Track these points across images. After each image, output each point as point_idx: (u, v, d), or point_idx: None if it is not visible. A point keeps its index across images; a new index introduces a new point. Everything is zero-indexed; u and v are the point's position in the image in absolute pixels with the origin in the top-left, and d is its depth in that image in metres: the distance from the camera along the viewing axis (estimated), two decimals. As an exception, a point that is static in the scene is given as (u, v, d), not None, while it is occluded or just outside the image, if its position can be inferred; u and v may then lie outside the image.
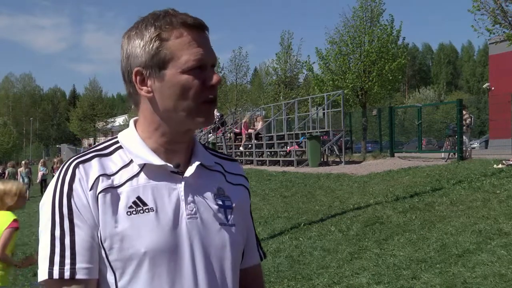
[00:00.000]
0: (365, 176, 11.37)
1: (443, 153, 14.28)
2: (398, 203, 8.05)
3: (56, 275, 1.01)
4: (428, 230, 6.46)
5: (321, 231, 7.45)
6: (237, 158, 18.79)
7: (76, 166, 1.07)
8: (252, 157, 19.13)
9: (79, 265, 1.01)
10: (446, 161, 12.91)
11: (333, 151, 16.74)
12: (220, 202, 1.16)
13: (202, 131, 21.43)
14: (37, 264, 1.06)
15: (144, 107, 1.12)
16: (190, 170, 1.13)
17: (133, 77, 1.10)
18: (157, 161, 1.10)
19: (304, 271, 5.89)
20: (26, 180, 20.02)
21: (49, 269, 1.01)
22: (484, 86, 31.62)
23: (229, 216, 1.16)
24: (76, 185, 1.05)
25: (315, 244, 6.86)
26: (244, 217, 1.23)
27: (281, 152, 17.90)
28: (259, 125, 19.86)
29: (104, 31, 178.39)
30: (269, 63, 33.08)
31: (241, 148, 19.79)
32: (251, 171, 15.21)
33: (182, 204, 1.10)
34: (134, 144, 1.13)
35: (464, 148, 12.93)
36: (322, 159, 15.35)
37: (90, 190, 1.05)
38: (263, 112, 25.94)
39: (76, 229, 1.03)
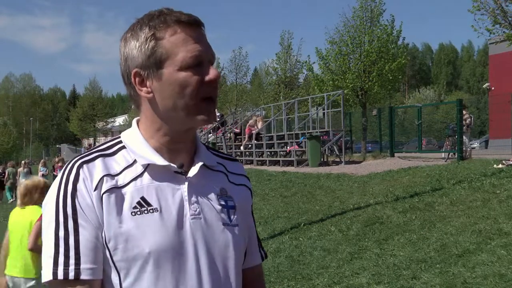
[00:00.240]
0: (365, 176, 11.37)
1: (443, 153, 14.28)
2: (398, 203, 8.05)
3: (60, 275, 1.00)
4: (428, 230, 6.46)
5: (321, 231, 7.44)
6: (237, 158, 18.76)
7: (80, 166, 1.06)
8: (252, 157, 19.13)
9: (83, 265, 1.01)
10: (446, 161, 12.91)
11: (333, 151, 16.74)
12: (223, 202, 1.16)
13: (202, 131, 21.43)
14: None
15: (145, 108, 1.12)
16: (193, 171, 1.13)
17: (132, 78, 1.09)
18: (160, 161, 1.10)
19: (304, 271, 5.89)
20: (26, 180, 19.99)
21: (53, 269, 1.01)
22: (484, 86, 31.62)
23: (232, 216, 1.16)
24: (80, 185, 1.04)
25: (315, 244, 6.86)
26: (246, 217, 1.23)
27: (281, 152, 17.90)
28: (259, 125, 19.87)
29: (104, 31, 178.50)
30: (269, 63, 33.10)
31: (241, 148, 19.79)
32: (251, 171, 15.22)
33: (186, 204, 1.10)
34: (137, 144, 1.13)
35: (464, 148, 12.93)
36: (322, 159, 15.34)
37: (95, 190, 1.04)
38: (263, 112, 25.94)
39: (81, 229, 1.02)
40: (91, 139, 57.97)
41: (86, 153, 1.11)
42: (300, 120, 19.26)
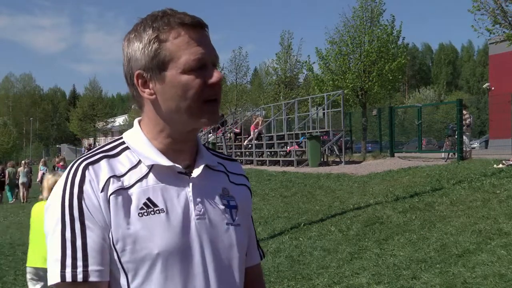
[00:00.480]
0: (365, 176, 11.37)
1: (443, 153, 14.29)
2: (398, 203, 8.05)
3: (69, 278, 0.99)
4: (428, 230, 6.46)
5: (321, 231, 7.44)
6: (237, 158, 18.80)
7: (86, 167, 1.06)
8: (252, 157, 19.13)
9: (91, 267, 1.00)
10: (446, 161, 12.91)
11: (333, 151, 16.75)
12: (225, 202, 1.17)
13: (202, 131, 21.43)
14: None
15: (148, 109, 1.13)
16: (197, 171, 1.13)
17: (135, 80, 1.09)
18: (165, 162, 1.10)
19: (304, 271, 5.89)
20: (25, 180, 19.98)
21: (61, 272, 1.00)
22: (484, 86, 31.62)
23: (234, 216, 1.17)
24: (86, 187, 1.04)
25: (315, 244, 6.86)
26: (247, 216, 1.24)
27: (281, 152, 17.90)
28: (259, 125, 19.89)
29: (104, 31, 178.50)
30: (269, 63, 33.04)
31: (245, 142, 19.70)
32: (251, 171, 15.22)
33: (191, 205, 1.10)
34: (140, 145, 1.13)
35: (464, 148, 12.93)
36: (322, 159, 15.34)
37: (101, 191, 1.04)
38: (263, 112, 25.93)
39: (88, 231, 1.02)
40: (91, 139, 57.94)
41: (90, 154, 1.10)
42: (300, 120, 19.26)
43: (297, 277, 5.70)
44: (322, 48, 18.67)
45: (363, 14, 17.94)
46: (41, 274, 4.08)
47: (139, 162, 1.11)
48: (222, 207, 1.15)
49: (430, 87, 67.64)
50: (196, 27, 1.08)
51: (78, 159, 1.09)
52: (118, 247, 1.03)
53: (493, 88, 28.00)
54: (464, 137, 13.15)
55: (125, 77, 1.14)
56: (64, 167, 20.26)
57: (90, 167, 1.06)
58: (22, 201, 19.72)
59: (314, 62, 19.88)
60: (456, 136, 13.21)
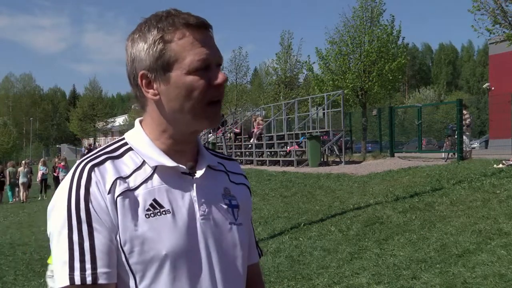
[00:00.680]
0: (365, 176, 11.37)
1: (443, 153, 14.29)
2: (398, 203, 8.05)
3: (78, 280, 0.99)
4: (428, 230, 6.46)
5: (321, 231, 7.44)
6: (237, 158, 18.80)
7: (91, 169, 1.05)
8: (252, 157, 19.13)
9: (100, 269, 1.00)
10: (446, 161, 12.91)
11: (333, 151, 16.75)
12: (227, 202, 1.18)
13: (202, 131, 21.41)
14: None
15: (151, 110, 1.12)
16: (200, 171, 1.14)
17: (139, 80, 1.09)
18: (169, 162, 1.10)
19: (304, 271, 5.89)
20: (25, 180, 19.97)
21: (69, 274, 0.99)
22: (484, 86, 31.62)
23: (236, 216, 1.18)
24: (93, 189, 1.03)
25: (315, 244, 6.86)
26: (247, 215, 1.25)
27: (281, 152, 17.90)
28: (260, 125, 19.89)
29: (104, 31, 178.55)
30: (269, 63, 33.01)
31: (252, 140, 19.64)
32: (251, 171, 15.22)
33: (195, 205, 1.10)
34: (144, 145, 1.13)
35: (464, 148, 12.93)
36: (322, 159, 15.34)
37: (108, 193, 1.03)
38: (263, 112, 25.93)
39: (95, 233, 1.01)
40: (91, 139, 57.93)
41: (94, 156, 1.10)
42: (300, 120, 19.25)
43: (297, 277, 5.70)
44: (322, 48, 18.69)
45: (363, 14, 17.94)
46: None
47: (143, 163, 1.10)
48: (224, 207, 1.16)
49: (430, 87, 67.64)
50: (201, 28, 1.09)
51: (82, 161, 1.08)
52: (126, 248, 1.03)
53: (493, 88, 28.00)
54: (464, 137, 13.15)
55: (128, 77, 1.13)
56: (65, 167, 20.26)
57: (95, 168, 1.06)
58: (22, 201, 19.70)
59: (314, 62, 19.90)
60: (455, 136, 13.21)
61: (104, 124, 56.98)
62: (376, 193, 9.23)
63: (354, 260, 5.93)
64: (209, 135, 22.21)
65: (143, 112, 1.15)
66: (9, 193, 20.82)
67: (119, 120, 64.47)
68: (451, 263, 5.19)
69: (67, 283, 0.99)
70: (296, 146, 16.47)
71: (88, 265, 0.99)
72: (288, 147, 17.48)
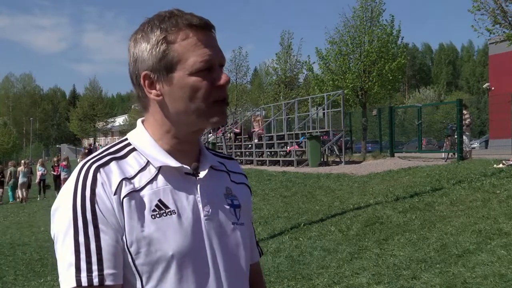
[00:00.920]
0: (365, 176, 11.37)
1: (443, 153, 14.29)
2: (398, 203, 8.05)
3: (84, 282, 0.98)
4: (428, 230, 6.46)
5: (321, 231, 7.44)
6: (237, 158, 18.80)
7: (97, 170, 1.05)
8: (252, 157, 19.12)
9: (106, 271, 1.00)
10: (446, 161, 12.91)
11: (333, 151, 16.75)
12: (229, 202, 1.18)
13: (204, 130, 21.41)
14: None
15: (154, 110, 1.12)
16: (203, 172, 1.14)
17: (142, 80, 1.09)
18: (173, 163, 1.10)
19: (304, 271, 5.88)
20: (25, 180, 19.95)
21: (76, 276, 0.98)
22: (484, 86, 31.61)
23: (238, 215, 1.18)
24: (99, 190, 1.03)
25: (315, 244, 6.86)
26: (248, 215, 1.26)
27: (281, 152, 17.90)
28: (259, 125, 19.89)
29: (104, 31, 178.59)
30: (269, 63, 33.07)
31: (253, 140, 19.64)
32: (251, 171, 15.22)
33: (200, 205, 1.11)
34: (147, 146, 1.12)
35: (464, 148, 12.92)
36: (322, 159, 15.35)
37: (114, 194, 1.03)
38: (263, 112, 25.92)
39: (102, 234, 1.01)
40: (91, 139, 57.94)
41: (98, 157, 1.09)
42: (300, 120, 19.25)
43: (297, 277, 5.69)
44: (322, 48, 18.70)
45: (363, 14, 17.95)
46: None
47: (148, 163, 1.10)
48: (227, 206, 1.16)
49: (430, 87, 67.67)
50: (204, 29, 1.08)
51: (86, 162, 1.08)
52: (132, 249, 1.02)
53: (493, 88, 27.99)
54: (464, 137, 13.15)
55: (130, 77, 1.13)
56: (67, 167, 20.26)
57: (101, 169, 1.05)
58: (21, 200, 19.67)
59: (314, 62, 19.91)
60: (455, 136, 13.21)
61: (104, 124, 56.99)
62: (376, 193, 9.23)
63: (354, 260, 5.93)
64: (209, 135, 22.21)
65: (145, 112, 1.15)
66: (10, 193, 20.80)
67: (119, 120, 64.50)
68: (451, 263, 5.19)
69: (74, 284, 0.98)
70: (296, 146, 16.47)
71: (94, 267, 0.99)
72: (288, 147, 17.48)
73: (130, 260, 1.03)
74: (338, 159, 16.07)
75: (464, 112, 13.69)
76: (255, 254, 1.32)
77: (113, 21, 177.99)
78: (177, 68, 1.06)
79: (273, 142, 18.65)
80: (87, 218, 1.01)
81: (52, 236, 1.05)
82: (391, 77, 17.38)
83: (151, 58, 1.07)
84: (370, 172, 11.85)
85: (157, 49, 1.07)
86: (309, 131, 17.18)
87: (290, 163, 16.12)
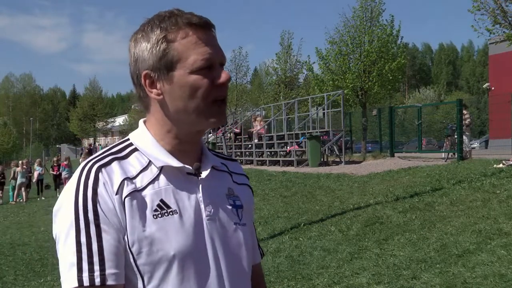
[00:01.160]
0: (365, 176, 11.37)
1: (443, 153, 14.29)
2: (398, 203, 8.05)
3: (86, 282, 0.98)
4: (428, 230, 6.45)
5: (321, 231, 7.44)
6: (237, 158, 18.79)
7: (99, 170, 1.05)
8: (252, 157, 19.12)
9: (108, 270, 1.00)
10: (446, 161, 12.91)
11: (333, 151, 16.74)
12: (232, 202, 1.18)
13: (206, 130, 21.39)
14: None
15: (155, 110, 1.12)
16: (205, 172, 1.14)
17: (142, 80, 1.09)
18: (175, 163, 1.10)
19: (304, 271, 5.88)
20: (23, 180, 19.92)
21: (78, 276, 0.98)
22: (484, 86, 31.61)
23: (240, 216, 1.18)
24: (101, 189, 1.03)
25: (315, 244, 6.86)
26: (250, 216, 1.26)
27: (281, 152, 17.90)
28: (258, 125, 19.87)
29: (104, 31, 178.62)
30: (269, 63, 33.06)
31: (254, 139, 19.61)
32: (251, 171, 15.22)
33: (201, 205, 1.10)
34: (149, 146, 1.12)
35: (464, 148, 12.92)
36: (322, 159, 15.34)
37: (116, 194, 1.03)
38: (263, 112, 25.92)
39: (103, 234, 1.01)
40: (91, 139, 57.96)
41: (99, 157, 1.09)
42: (300, 120, 19.25)
43: (297, 277, 5.69)
44: (322, 48, 18.70)
45: (363, 14, 17.94)
46: None
47: (149, 163, 1.10)
48: (229, 207, 1.16)
49: (430, 87, 67.69)
50: (204, 27, 1.09)
51: (88, 162, 1.08)
52: (134, 249, 1.02)
53: (493, 88, 27.99)
54: (464, 137, 13.15)
55: (131, 77, 1.13)
56: (68, 166, 20.29)
57: (103, 169, 1.05)
58: (20, 200, 19.65)
59: (314, 62, 19.90)
60: (455, 136, 13.21)
61: (104, 124, 57.03)
62: (376, 193, 9.23)
63: (354, 260, 5.92)
64: (209, 135, 22.21)
65: (147, 112, 1.15)
66: (10, 193, 20.79)
67: (119, 120, 64.49)
68: (451, 263, 5.19)
69: (76, 284, 0.98)
70: (296, 146, 16.47)
71: (96, 267, 0.99)
72: (288, 147, 17.48)
73: (131, 260, 1.03)
74: (338, 159, 16.07)
75: (464, 112, 13.68)
76: (256, 255, 1.31)
77: (113, 21, 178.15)
78: (178, 67, 1.06)
79: (273, 142, 18.65)
80: (89, 218, 1.01)
81: (54, 236, 1.05)
82: (391, 77, 17.38)
83: (152, 57, 1.08)
84: (370, 172, 11.85)
85: (157, 48, 1.07)
86: (309, 131, 17.18)
87: (290, 163, 16.12)
